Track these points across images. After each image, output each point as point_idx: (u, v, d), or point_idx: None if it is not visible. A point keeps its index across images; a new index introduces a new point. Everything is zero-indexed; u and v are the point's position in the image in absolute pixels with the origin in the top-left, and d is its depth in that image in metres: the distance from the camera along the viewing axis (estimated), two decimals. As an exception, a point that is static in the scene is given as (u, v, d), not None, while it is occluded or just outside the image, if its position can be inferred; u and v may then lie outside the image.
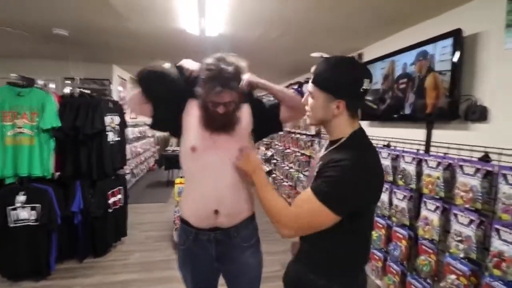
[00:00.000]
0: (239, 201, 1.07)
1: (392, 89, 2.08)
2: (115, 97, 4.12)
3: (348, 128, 0.80)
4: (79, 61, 3.69)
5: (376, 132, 2.36)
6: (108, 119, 2.46)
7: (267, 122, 1.13)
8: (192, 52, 3.00)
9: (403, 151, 1.90)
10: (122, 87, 4.50)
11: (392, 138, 2.14)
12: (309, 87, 0.80)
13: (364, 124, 2.56)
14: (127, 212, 2.80)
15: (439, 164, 1.60)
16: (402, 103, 1.97)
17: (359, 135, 0.81)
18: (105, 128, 2.41)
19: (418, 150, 1.87)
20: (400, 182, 1.89)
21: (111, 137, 2.50)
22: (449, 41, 1.58)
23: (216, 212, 1.01)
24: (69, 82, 3.57)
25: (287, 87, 3.97)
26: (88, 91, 2.58)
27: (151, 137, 6.46)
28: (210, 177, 1.01)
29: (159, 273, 2.31)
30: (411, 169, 1.82)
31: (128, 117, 4.91)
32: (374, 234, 2.13)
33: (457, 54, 1.54)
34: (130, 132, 4.68)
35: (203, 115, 1.00)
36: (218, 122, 0.98)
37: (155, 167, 6.50)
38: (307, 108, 0.83)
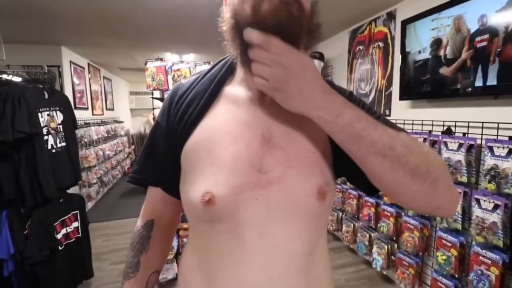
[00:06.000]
0: None
1: (457, 55, 1.45)
2: (68, 91, 3.23)
3: None
4: (14, 43, 2.80)
5: (424, 115, 1.75)
6: (44, 116, 1.66)
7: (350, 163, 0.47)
8: (162, 18, 2.21)
9: (490, 141, 1.30)
10: (78, 77, 3.59)
11: (455, 121, 1.54)
12: None
13: (403, 105, 1.95)
14: (89, 244, 2.04)
15: None
16: (477, 71, 1.36)
17: None
18: (40, 130, 1.62)
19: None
20: (489, 186, 1.30)
21: (52, 142, 1.71)
22: None
23: None
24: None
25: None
26: (19, 78, 1.76)
27: (123, 135, 5.56)
28: (252, 254, 0.43)
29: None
30: (508, 166, 1.23)
31: (90, 113, 4.06)
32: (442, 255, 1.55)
33: None
34: (94, 132, 3.81)
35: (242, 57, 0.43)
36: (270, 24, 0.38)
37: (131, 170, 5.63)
38: None
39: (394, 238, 1.93)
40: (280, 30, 0.38)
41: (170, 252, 2.00)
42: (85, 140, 3.46)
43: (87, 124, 3.63)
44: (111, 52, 3.59)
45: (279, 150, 0.45)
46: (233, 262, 0.44)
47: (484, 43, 1.31)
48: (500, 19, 1.24)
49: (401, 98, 1.88)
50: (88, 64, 4.02)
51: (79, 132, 3.20)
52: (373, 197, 2.12)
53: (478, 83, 1.35)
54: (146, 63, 1.88)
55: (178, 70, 1.86)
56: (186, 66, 1.89)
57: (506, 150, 1.24)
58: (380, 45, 2.14)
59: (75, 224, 1.91)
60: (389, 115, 2.09)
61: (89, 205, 3.54)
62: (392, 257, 1.97)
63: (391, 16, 2.02)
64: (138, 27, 2.46)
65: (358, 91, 2.44)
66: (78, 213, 1.93)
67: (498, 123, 1.34)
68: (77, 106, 3.47)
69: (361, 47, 2.36)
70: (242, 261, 0.43)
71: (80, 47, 3.29)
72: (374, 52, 2.21)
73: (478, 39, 1.33)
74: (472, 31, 1.36)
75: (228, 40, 0.45)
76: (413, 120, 1.81)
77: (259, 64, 0.39)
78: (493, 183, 1.28)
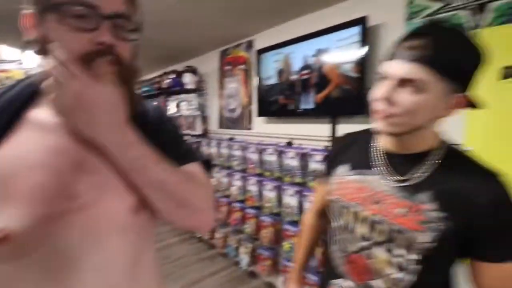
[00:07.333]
0: None
1: (291, 83, 1.87)
2: None
3: (436, 135, 0.59)
4: None
5: (276, 129, 2.13)
6: None
7: None
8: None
9: (313, 150, 1.73)
10: None
11: (295, 135, 1.96)
12: (412, 72, 0.50)
13: (261, 121, 2.29)
14: None
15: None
16: (303, 97, 1.79)
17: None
18: None
19: (326, 147, 1.75)
20: (313, 184, 1.71)
21: None
22: (355, 30, 1.48)
23: None
24: None
25: (161, 75, 3.21)
26: None
27: None
28: (73, 283, 0.43)
29: None
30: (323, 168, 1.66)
31: None
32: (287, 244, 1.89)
33: (362, 45, 1.46)
34: None
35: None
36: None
37: None
38: (397, 109, 0.53)
39: (256, 236, 2.20)
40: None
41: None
42: None
43: None
44: None
45: (93, 174, 0.45)
46: None
47: (307, 76, 1.74)
48: (315, 60, 1.69)
49: (258, 115, 2.21)
50: None
51: None
52: (239, 202, 2.36)
53: (304, 106, 1.78)
54: None
55: (7, 71, 1.43)
56: (21, 67, 1.49)
57: (321, 157, 1.68)
58: (243, 68, 2.45)
59: None
60: (251, 129, 2.40)
61: None
62: (255, 253, 2.23)
63: (250, 45, 2.36)
64: None
65: (227, 106, 2.68)
66: None
67: (318, 136, 1.80)
68: None
69: (229, 67, 2.63)
70: None
71: None
72: (239, 73, 2.51)
73: (303, 72, 1.77)
74: (299, 66, 1.79)
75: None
76: (268, 134, 2.17)
77: (54, 82, 0.41)
78: (316, 181, 1.70)
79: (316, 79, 1.69)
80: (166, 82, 3.02)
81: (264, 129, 2.26)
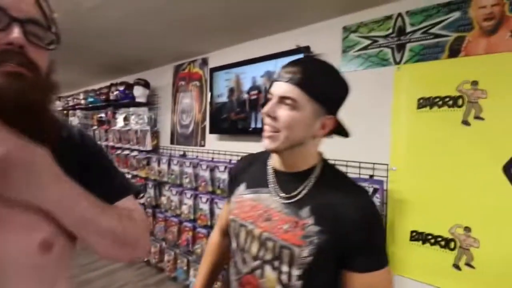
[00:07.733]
0: None
1: (241, 102, 1.92)
2: None
3: (317, 155, 0.66)
4: None
5: (228, 147, 2.14)
6: None
7: None
8: None
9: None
10: None
11: (246, 153, 1.98)
12: (287, 91, 0.59)
13: (213, 138, 2.29)
14: None
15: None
16: (253, 116, 1.85)
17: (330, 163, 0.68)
18: None
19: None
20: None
21: None
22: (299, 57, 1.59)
23: None
24: None
25: (109, 86, 3.03)
26: None
27: None
28: None
29: None
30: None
31: None
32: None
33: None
34: None
35: None
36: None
37: None
38: (279, 123, 0.60)
39: (207, 257, 2.13)
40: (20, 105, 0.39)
41: None
42: None
43: None
44: None
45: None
46: None
47: (255, 96, 1.80)
48: (263, 82, 1.77)
49: (210, 132, 2.21)
50: None
51: None
52: (190, 221, 2.28)
53: (253, 125, 1.83)
54: None
55: None
56: None
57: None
58: (197, 84, 2.44)
59: None
60: (204, 145, 2.38)
61: None
62: (205, 275, 2.15)
63: (205, 62, 2.38)
64: None
65: (181, 122, 2.63)
66: None
67: (267, 155, 1.85)
68: None
69: (183, 83, 2.60)
70: None
71: None
72: (193, 89, 2.49)
73: (251, 93, 1.83)
74: (248, 86, 1.85)
75: None
76: (219, 151, 2.16)
77: None
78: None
79: (264, 99, 1.76)
80: (115, 93, 2.86)
81: (216, 146, 2.25)
